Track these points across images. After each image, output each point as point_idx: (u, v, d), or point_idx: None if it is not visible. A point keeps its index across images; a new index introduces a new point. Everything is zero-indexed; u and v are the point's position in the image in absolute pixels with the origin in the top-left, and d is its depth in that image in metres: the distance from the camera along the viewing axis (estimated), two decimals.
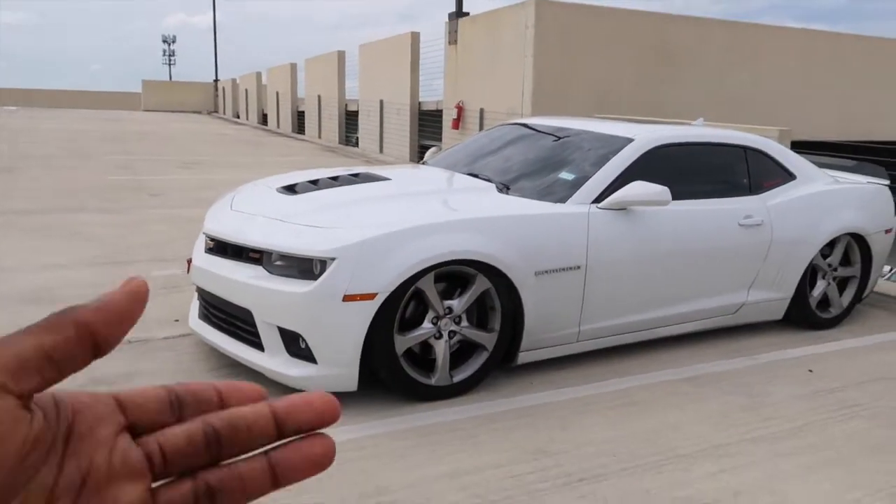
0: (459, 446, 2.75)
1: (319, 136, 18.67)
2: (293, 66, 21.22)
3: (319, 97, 18.54)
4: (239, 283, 3.08)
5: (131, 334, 3.11)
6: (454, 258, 3.01)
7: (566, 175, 3.72)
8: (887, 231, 4.61)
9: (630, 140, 3.85)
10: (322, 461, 0.36)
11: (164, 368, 3.35)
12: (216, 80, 35.02)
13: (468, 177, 3.94)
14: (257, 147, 16.38)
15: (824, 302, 4.45)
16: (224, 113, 32.87)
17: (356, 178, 3.83)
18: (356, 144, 16.61)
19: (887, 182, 4.80)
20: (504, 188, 3.68)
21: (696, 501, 2.43)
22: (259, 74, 25.63)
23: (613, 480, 2.55)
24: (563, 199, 3.51)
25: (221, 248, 3.30)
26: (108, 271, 5.02)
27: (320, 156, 14.58)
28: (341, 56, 17.33)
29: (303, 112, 20.58)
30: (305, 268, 2.96)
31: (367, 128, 15.78)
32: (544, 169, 3.90)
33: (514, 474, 2.56)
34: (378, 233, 2.94)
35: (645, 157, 3.78)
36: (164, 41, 73.06)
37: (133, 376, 3.23)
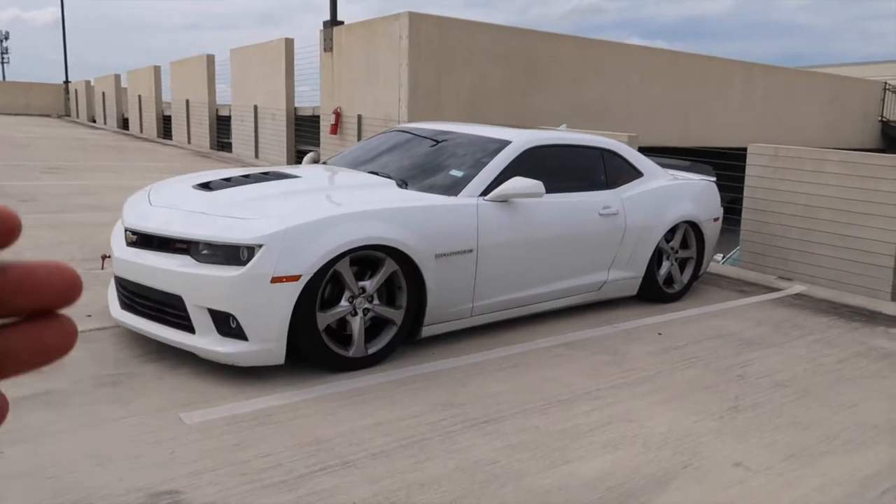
0: (379, 404, 3.19)
1: (189, 142, 18.24)
2: (157, 69, 20.53)
3: (188, 101, 18.13)
4: (168, 271, 3.34)
5: None
6: (366, 243, 3.44)
7: (456, 172, 4.26)
8: (715, 219, 5.54)
9: (508, 142, 4.46)
10: (60, 348, 0.31)
11: (90, 357, 3.53)
12: (67, 82, 32.86)
13: (369, 174, 4.38)
14: (122, 152, 15.79)
15: (669, 280, 5.29)
16: (77, 117, 30.93)
17: (267, 176, 4.17)
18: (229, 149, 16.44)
19: (714, 178, 5.75)
20: (403, 184, 4.16)
21: (576, 430, 3.03)
22: (118, 77, 24.46)
23: (510, 421, 3.09)
24: (455, 193, 4.04)
25: (146, 240, 3.54)
26: None
27: (195, 161, 14.34)
28: (210, 60, 17.07)
29: (169, 116, 19.97)
30: (232, 255, 3.28)
31: (241, 133, 15.68)
32: (436, 167, 4.42)
33: (428, 422, 3.04)
34: (300, 221, 3.32)
35: (521, 157, 4.40)
36: None
37: (64, 366, 3.39)
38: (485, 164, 4.25)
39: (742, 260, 6.68)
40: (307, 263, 3.27)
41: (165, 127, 20.39)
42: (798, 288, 5.96)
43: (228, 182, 4.03)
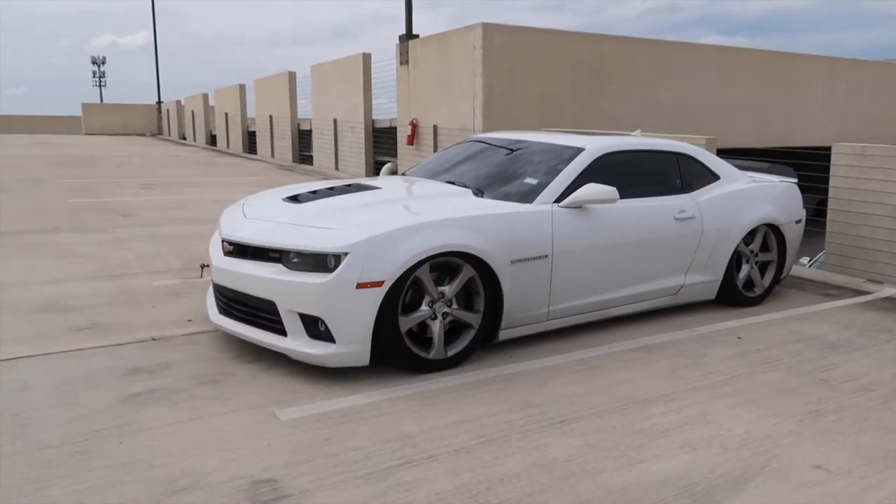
0: (460, 403, 3.33)
1: (273, 156, 19.02)
2: (242, 87, 21.51)
3: (271, 117, 18.91)
4: (262, 279, 3.60)
5: (154, 333, 3.73)
6: (445, 250, 3.60)
7: (530, 180, 4.37)
8: (797, 221, 5.42)
9: (581, 149, 4.53)
10: None
11: (193, 358, 3.83)
12: (159, 102, 34.78)
13: (446, 184, 4.55)
14: (212, 167, 16.64)
15: (749, 283, 5.22)
16: (169, 135, 32.69)
17: (350, 188, 4.40)
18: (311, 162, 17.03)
19: (795, 180, 5.62)
20: (479, 192, 4.30)
21: (652, 431, 3.08)
22: (206, 96, 25.76)
23: (586, 421, 3.17)
24: (529, 200, 4.15)
25: (241, 250, 3.81)
26: (110, 283, 5.41)
27: (279, 174, 14.98)
28: (292, 77, 17.78)
29: (253, 132, 20.87)
30: (320, 262, 3.50)
31: (321, 146, 16.25)
32: (511, 176, 4.54)
33: (507, 420, 3.16)
34: (383, 230, 3.51)
35: (595, 163, 4.47)
36: (94, 62, 71.21)
37: (169, 366, 3.71)
38: (559, 172, 4.34)
39: (828, 263, 6.49)
40: (390, 270, 3.45)
41: (250, 142, 21.32)
42: (889, 291, 5.75)
43: (315, 194, 4.28)
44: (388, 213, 3.78)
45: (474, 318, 3.79)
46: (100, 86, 68.96)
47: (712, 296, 5.04)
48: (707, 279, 4.93)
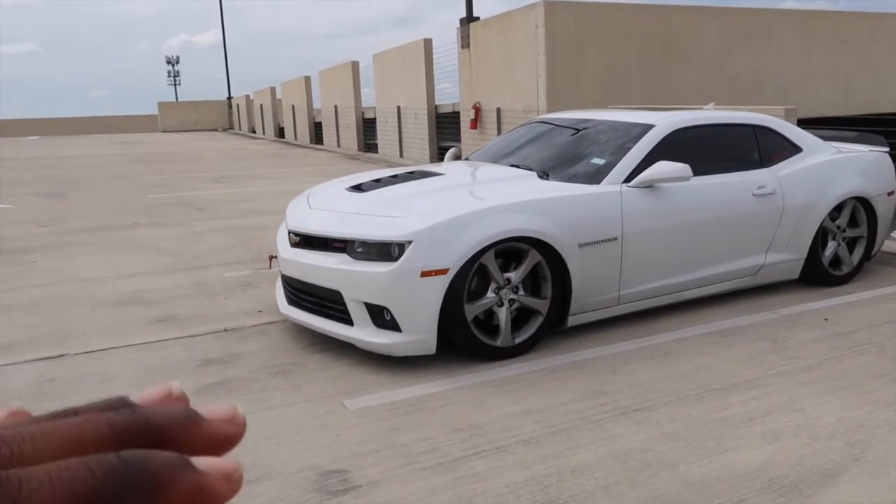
0: (528, 392, 3.26)
1: (338, 145, 19.26)
2: (307, 80, 21.82)
3: (336, 107, 19.13)
4: (328, 269, 3.61)
5: (227, 324, 3.76)
6: (510, 235, 3.52)
7: (597, 160, 4.23)
8: (889, 193, 5.07)
9: (651, 126, 4.35)
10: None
11: (264, 348, 3.89)
12: (230, 98, 35.75)
13: (511, 167, 4.45)
14: (281, 159, 16.98)
15: (836, 261, 4.91)
16: (240, 129, 33.60)
17: (413, 176, 4.36)
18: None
19: (887, 149, 5.25)
20: (544, 175, 4.19)
21: (733, 420, 2.93)
22: (273, 89, 26.28)
23: (662, 409, 3.05)
24: (597, 181, 4.02)
25: (307, 241, 3.83)
26: (185, 276, 5.57)
27: (345, 163, 15.15)
28: (355, 66, 17.90)
29: (319, 123, 21.18)
30: (384, 251, 3.48)
31: (385, 133, 16.33)
32: (576, 157, 4.40)
33: (577, 410, 3.06)
34: (446, 217, 3.46)
35: (666, 140, 4.28)
36: (169, 62, 73.60)
37: (241, 356, 3.78)
38: (627, 150, 4.18)
39: None
40: (454, 257, 3.39)
41: (317, 133, 21.64)
42: None
43: (378, 183, 4.26)
44: (451, 200, 3.72)
45: (541, 305, 3.70)
46: (174, 84, 71.28)
47: (795, 275, 4.77)
48: (789, 258, 4.67)
